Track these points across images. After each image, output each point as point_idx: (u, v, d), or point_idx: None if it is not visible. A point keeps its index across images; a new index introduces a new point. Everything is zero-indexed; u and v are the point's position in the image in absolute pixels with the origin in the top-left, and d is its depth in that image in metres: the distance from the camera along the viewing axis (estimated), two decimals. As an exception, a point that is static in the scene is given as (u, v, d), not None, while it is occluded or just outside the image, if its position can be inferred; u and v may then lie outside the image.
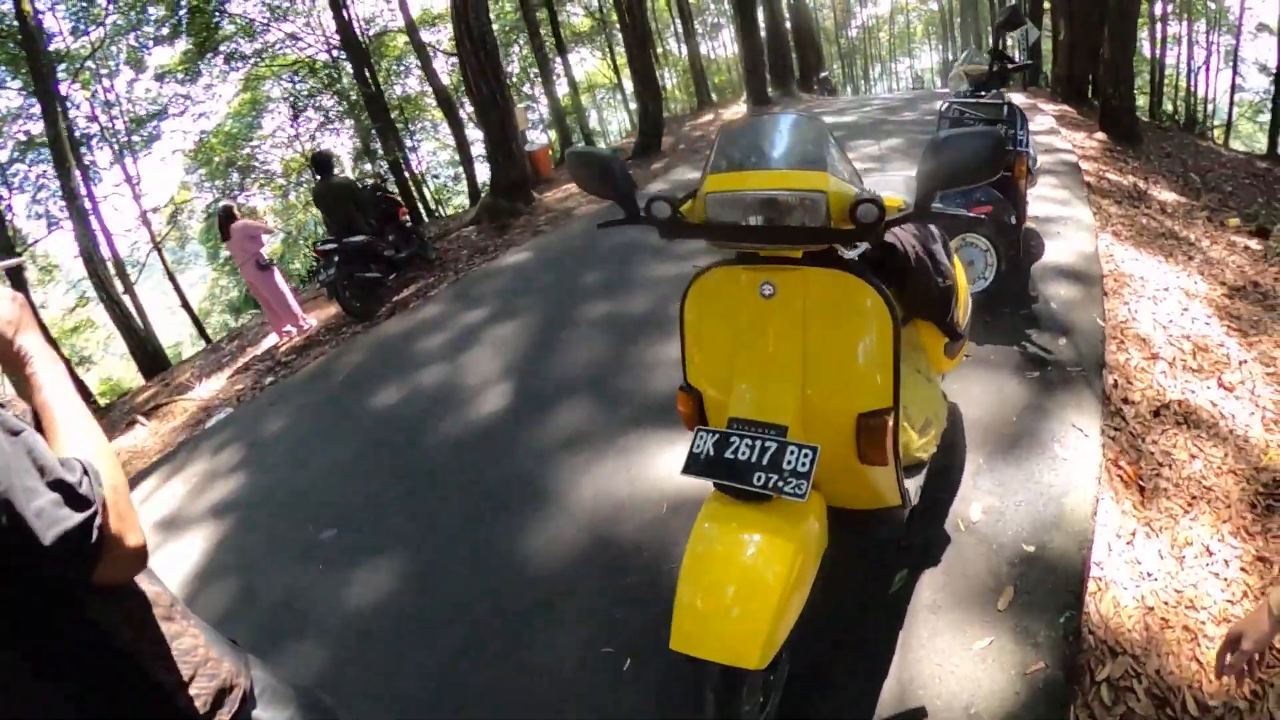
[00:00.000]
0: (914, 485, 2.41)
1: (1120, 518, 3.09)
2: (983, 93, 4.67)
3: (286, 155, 24.18)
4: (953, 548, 2.88)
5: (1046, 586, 2.67)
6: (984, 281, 4.55)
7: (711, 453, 1.93)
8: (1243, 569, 2.89)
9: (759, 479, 1.84)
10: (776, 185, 1.85)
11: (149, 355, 15.32)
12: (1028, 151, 4.72)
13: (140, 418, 8.80)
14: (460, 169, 22.94)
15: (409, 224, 9.73)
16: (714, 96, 27.69)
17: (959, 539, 2.91)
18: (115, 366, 26.08)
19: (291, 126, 23.45)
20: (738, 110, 18.13)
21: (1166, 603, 2.74)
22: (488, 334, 6.41)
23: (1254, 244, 6.46)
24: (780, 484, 1.81)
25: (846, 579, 2.69)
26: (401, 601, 3.41)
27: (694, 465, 1.95)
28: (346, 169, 24.06)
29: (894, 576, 2.77)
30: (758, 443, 1.89)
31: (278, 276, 8.99)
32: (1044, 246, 5.16)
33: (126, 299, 17.68)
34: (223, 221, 8.91)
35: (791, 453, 1.85)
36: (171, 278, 21.74)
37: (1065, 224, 6.14)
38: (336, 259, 8.29)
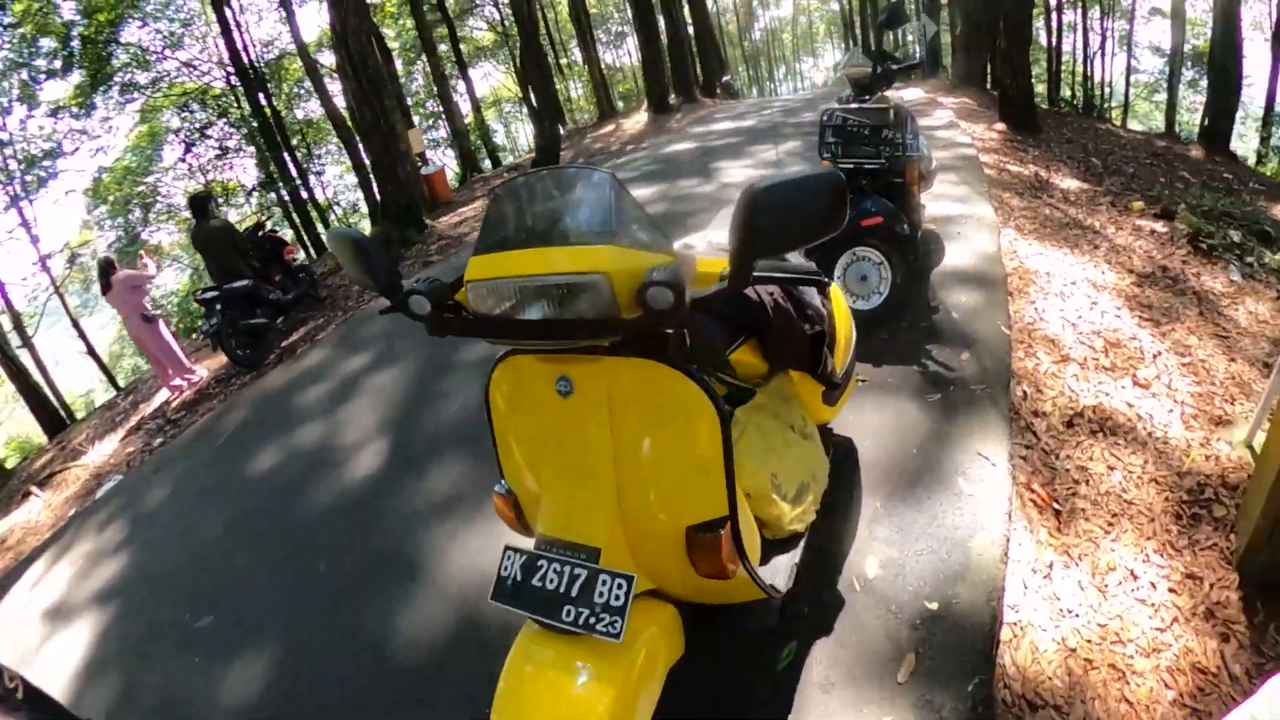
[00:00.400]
0: (788, 563, 2.09)
1: (1035, 549, 2.86)
2: (867, 97, 4.41)
3: (190, 187, 23.24)
4: (847, 611, 2.58)
5: (953, 650, 2.39)
6: (879, 297, 4.31)
7: (519, 577, 1.59)
8: (1171, 589, 2.70)
9: (568, 614, 1.51)
10: (545, 268, 1.47)
11: (50, 413, 14.53)
12: (920, 154, 4.51)
13: (34, 489, 8.32)
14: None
15: (296, 262, 9.23)
16: (620, 105, 27.39)
17: (854, 601, 2.62)
18: (28, 420, 24.59)
19: (191, 158, 22.49)
20: (639, 119, 17.83)
21: (1090, 640, 2.52)
22: (368, 383, 6.01)
23: (1159, 226, 6.39)
24: (592, 620, 1.48)
25: (727, 655, 2.40)
26: (276, 695, 3.11)
27: (501, 592, 1.61)
28: (251, 200, 23.30)
29: (781, 649, 2.45)
30: (567, 569, 1.56)
31: (163, 328, 8.47)
32: (944, 250, 4.96)
33: (25, 353, 16.92)
34: (103, 274, 8.36)
35: (604, 583, 1.52)
36: (76, 324, 20.69)
37: (966, 223, 5.98)
38: (219, 307, 7.84)
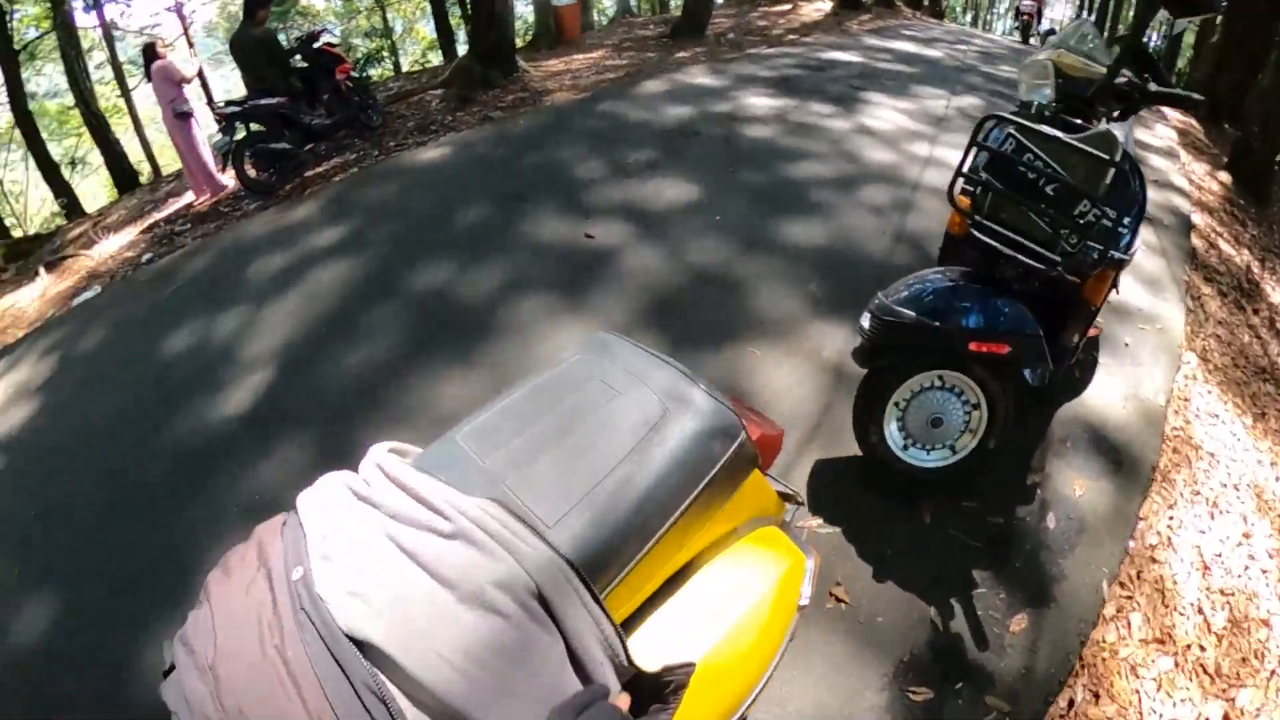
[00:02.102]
0: None
1: None
2: (1081, 120, 2.61)
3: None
4: None
5: None
6: (949, 455, 2.79)
7: None
8: None
9: None
10: None
11: (124, 172, 13.98)
12: (1128, 256, 2.65)
13: (42, 269, 7.95)
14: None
15: (350, 84, 8.04)
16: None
17: None
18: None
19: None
20: (822, 6, 15.36)
21: None
22: (313, 274, 4.90)
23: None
24: None
25: None
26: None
27: None
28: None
29: None
30: None
31: (194, 128, 7.64)
32: (1095, 371, 3.41)
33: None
34: (146, 58, 7.63)
35: None
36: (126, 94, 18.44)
37: (1143, 332, 4.19)
38: (238, 124, 6.99)
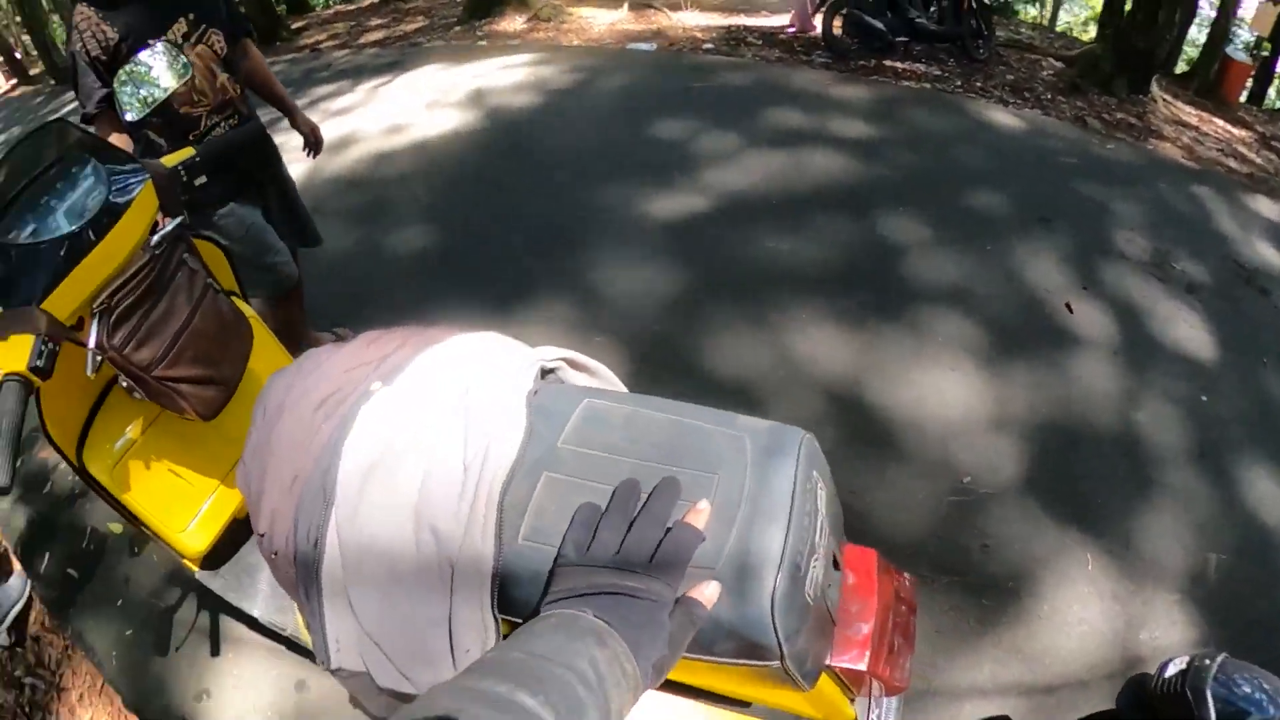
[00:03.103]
0: None
1: None
2: None
3: None
4: None
5: None
6: None
7: None
8: None
9: None
10: None
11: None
12: None
13: (627, 4, 8.83)
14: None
15: (975, 4, 7.33)
16: None
17: None
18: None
19: None
20: None
21: None
22: (805, 155, 4.68)
23: None
24: None
25: None
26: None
27: None
28: None
29: None
30: None
31: None
32: None
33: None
34: None
35: None
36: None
37: None
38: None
